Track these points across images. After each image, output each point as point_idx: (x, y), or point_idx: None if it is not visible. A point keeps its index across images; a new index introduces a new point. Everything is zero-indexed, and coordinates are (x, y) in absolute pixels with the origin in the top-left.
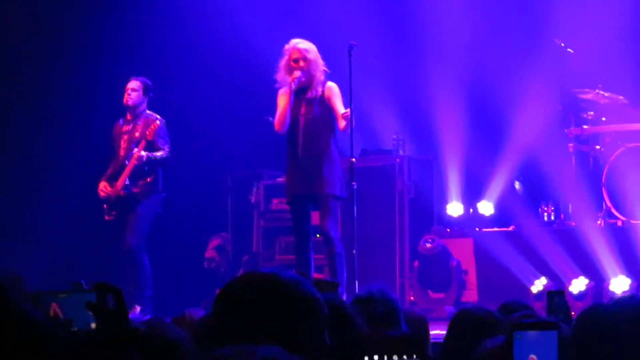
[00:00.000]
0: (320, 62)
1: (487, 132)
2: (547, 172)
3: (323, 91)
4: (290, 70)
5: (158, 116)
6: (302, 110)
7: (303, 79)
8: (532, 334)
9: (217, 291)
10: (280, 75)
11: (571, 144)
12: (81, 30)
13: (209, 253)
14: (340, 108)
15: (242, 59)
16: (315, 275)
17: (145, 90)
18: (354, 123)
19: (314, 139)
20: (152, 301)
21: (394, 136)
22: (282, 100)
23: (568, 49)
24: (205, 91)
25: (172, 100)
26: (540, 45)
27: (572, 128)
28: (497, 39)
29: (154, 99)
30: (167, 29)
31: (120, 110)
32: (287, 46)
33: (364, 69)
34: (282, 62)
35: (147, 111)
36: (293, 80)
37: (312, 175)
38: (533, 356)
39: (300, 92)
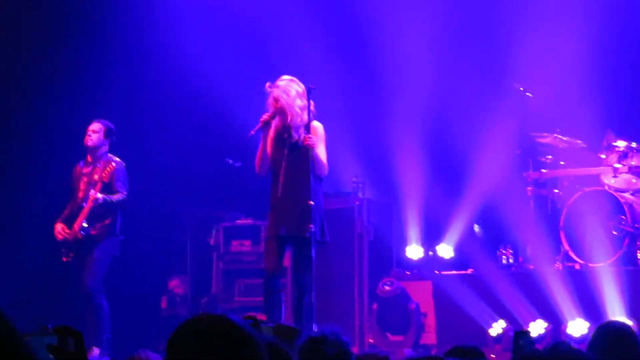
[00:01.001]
0: (299, 103)
1: (447, 176)
2: (506, 216)
3: (308, 133)
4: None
5: (117, 159)
6: (285, 151)
7: (271, 119)
8: None
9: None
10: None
11: (530, 188)
12: (44, 68)
13: (164, 304)
14: (319, 152)
15: (203, 102)
16: (259, 317)
17: (107, 133)
18: (321, 166)
19: (296, 182)
20: (110, 343)
21: (354, 179)
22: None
23: (527, 93)
24: (167, 133)
25: (134, 142)
26: (499, 89)
27: (530, 172)
28: (457, 83)
29: (119, 141)
30: (131, 71)
31: (81, 152)
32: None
33: (324, 111)
34: (267, 103)
35: (108, 154)
36: (260, 124)
37: (292, 217)
38: None
39: (283, 133)
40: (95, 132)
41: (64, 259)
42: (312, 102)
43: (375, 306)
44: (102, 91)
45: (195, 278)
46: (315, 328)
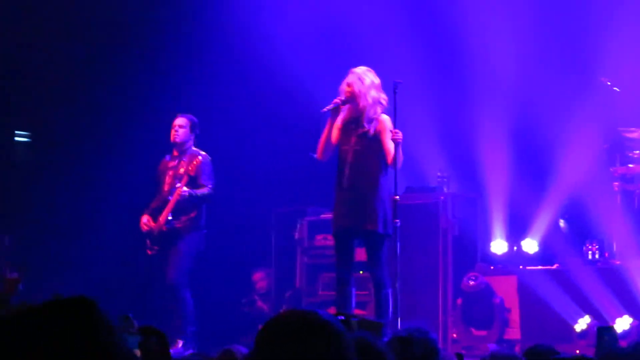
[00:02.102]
0: (373, 94)
1: (532, 170)
2: (592, 211)
3: (377, 128)
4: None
5: (203, 152)
6: (352, 141)
7: (341, 105)
8: None
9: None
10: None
11: (616, 183)
12: (132, 63)
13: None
14: (388, 143)
15: (289, 96)
16: (357, 312)
17: (192, 127)
18: (400, 161)
19: (362, 173)
20: (195, 336)
21: (439, 174)
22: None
23: (614, 88)
24: (251, 128)
25: (218, 137)
26: (586, 83)
27: (617, 167)
28: (543, 77)
29: (202, 135)
30: (216, 66)
31: (167, 145)
32: None
33: (409, 106)
34: (340, 86)
35: (193, 148)
36: (331, 104)
37: (356, 209)
38: None
39: (351, 123)
40: (182, 127)
41: (149, 252)
42: (386, 97)
43: (459, 301)
44: (185, 86)
45: (279, 272)
46: (399, 323)
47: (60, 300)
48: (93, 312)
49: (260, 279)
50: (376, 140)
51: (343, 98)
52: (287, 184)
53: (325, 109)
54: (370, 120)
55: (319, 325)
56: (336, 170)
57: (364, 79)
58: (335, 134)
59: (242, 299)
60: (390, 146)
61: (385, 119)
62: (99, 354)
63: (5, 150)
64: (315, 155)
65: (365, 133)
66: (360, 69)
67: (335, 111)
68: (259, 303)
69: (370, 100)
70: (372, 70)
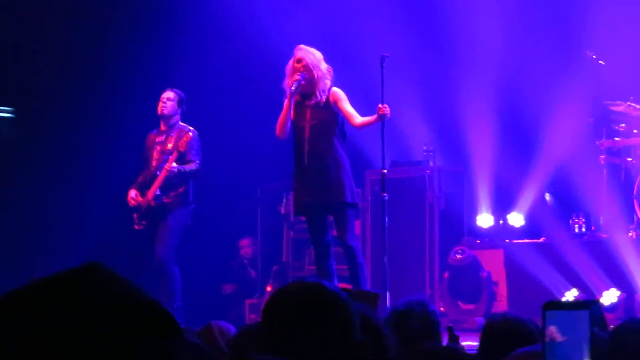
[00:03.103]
0: (324, 66)
1: (518, 144)
2: (578, 184)
3: (328, 97)
4: (294, 72)
5: (191, 128)
6: (307, 116)
7: (303, 82)
8: (563, 313)
9: (252, 301)
10: (286, 82)
11: (602, 156)
12: (118, 39)
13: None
14: (350, 109)
15: (274, 73)
16: (340, 285)
17: (180, 102)
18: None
19: (321, 146)
20: (181, 311)
21: (425, 147)
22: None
23: (600, 61)
24: (237, 103)
25: (204, 112)
26: (572, 57)
27: (603, 140)
28: (529, 50)
29: (188, 110)
30: (202, 41)
31: (153, 120)
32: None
33: (396, 80)
34: (287, 67)
35: (181, 123)
36: (293, 83)
37: (320, 183)
38: (553, 327)
39: (304, 99)
40: (170, 99)
41: (136, 227)
42: (331, 68)
43: (446, 275)
44: (171, 61)
45: (265, 246)
46: (387, 297)
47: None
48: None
49: (246, 245)
50: (331, 112)
51: (299, 77)
52: (273, 159)
53: (293, 89)
54: (324, 91)
55: (326, 296)
56: (293, 150)
57: (313, 52)
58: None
59: (230, 262)
60: (351, 110)
61: (337, 90)
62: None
63: None
64: (278, 134)
65: (319, 103)
66: (304, 46)
67: (296, 88)
68: (248, 267)
69: (323, 70)
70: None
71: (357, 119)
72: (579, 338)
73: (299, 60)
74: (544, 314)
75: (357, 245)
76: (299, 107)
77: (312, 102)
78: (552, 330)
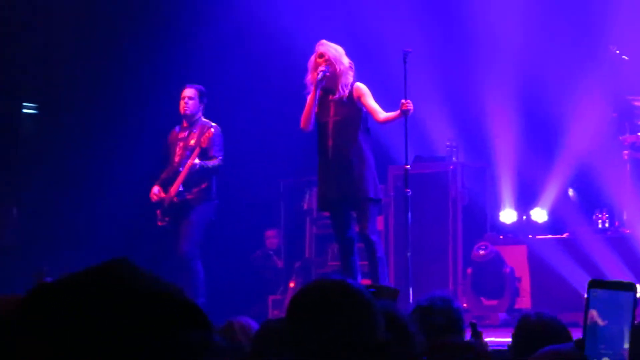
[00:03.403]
0: (346, 61)
1: (541, 139)
2: (602, 180)
3: (351, 92)
4: (316, 67)
5: (213, 124)
6: (331, 112)
7: (328, 73)
8: (608, 292)
9: (275, 297)
10: (308, 77)
11: (626, 152)
12: (138, 35)
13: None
14: (374, 104)
15: (297, 69)
16: (363, 282)
17: (201, 97)
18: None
19: (345, 141)
20: (204, 307)
21: (448, 143)
22: (309, 99)
23: (623, 56)
24: (260, 98)
25: (227, 106)
26: (595, 52)
27: (627, 135)
28: (551, 45)
29: (210, 105)
30: (223, 37)
31: (176, 116)
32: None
33: (419, 75)
34: (310, 62)
35: (203, 118)
36: (318, 73)
37: (344, 178)
38: (594, 311)
39: (327, 94)
40: (191, 98)
41: (159, 223)
42: (352, 63)
43: (469, 270)
44: (193, 56)
45: (288, 241)
46: (411, 292)
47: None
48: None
49: (272, 236)
50: (354, 107)
51: (324, 68)
52: (295, 154)
53: (319, 78)
54: (346, 86)
55: (350, 294)
56: (317, 145)
57: (335, 47)
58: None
59: (256, 251)
60: (375, 105)
61: (361, 85)
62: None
63: (13, 122)
64: (302, 127)
65: (342, 98)
66: (325, 41)
67: (321, 82)
68: (274, 258)
69: (345, 64)
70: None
71: (381, 114)
72: (621, 322)
73: (321, 55)
74: (588, 292)
75: (377, 240)
76: (323, 102)
77: (336, 97)
78: (593, 314)
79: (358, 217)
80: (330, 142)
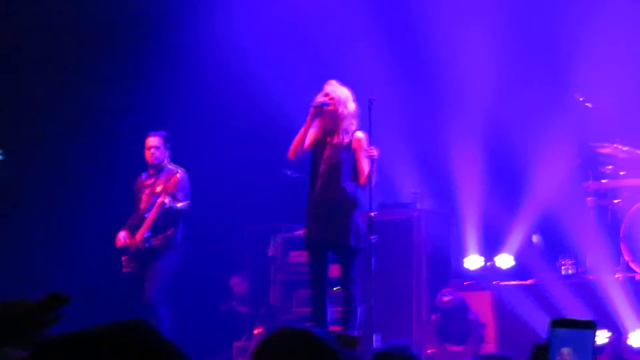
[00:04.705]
0: (352, 106)
1: (506, 186)
2: (566, 226)
3: (351, 140)
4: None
5: (180, 169)
6: (325, 153)
7: (327, 107)
8: (568, 331)
9: (239, 344)
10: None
11: (590, 198)
12: (107, 78)
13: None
14: (362, 166)
15: (262, 114)
16: (332, 328)
17: (165, 143)
18: (374, 179)
19: (333, 186)
20: None
21: (412, 190)
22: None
23: (587, 104)
24: (225, 145)
25: (192, 153)
26: (559, 99)
27: (590, 182)
28: (516, 93)
29: (175, 151)
30: (191, 84)
31: (143, 162)
32: None
33: (384, 123)
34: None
35: (169, 165)
36: (316, 102)
37: (328, 222)
38: (565, 349)
39: (326, 135)
40: (157, 147)
41: (125, 270)
42: (358, 109)
43: (434, 317)
44: (160, 102)
45: (253, 287)
46: (374, 339)
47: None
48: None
49: (236, 283)
50: (350, 154)
51: (323, 100)
52: (260, 200)
53: (314, 104)
54: (347, 132)
55: (314, 344)
56: (308, 184)
57: (342, 89)
58: (307, 142)
59: (220, 304)
60: (364, 166)
61: (362, 136)
62: None
63: None
64: (291, 175)
65: (340, 144)
66: (335, 82)
67: (318, 113)
68: (238, 307)
69: (349, 109)
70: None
71: (362, 179)
72: (583, 355)
73: (327, 94)
74: (550, 330)
75: (355, 291)
76: (320, 142)
77: (334, 140)
78: (564, 352)
79: (339, 264)
80: (319, 183)
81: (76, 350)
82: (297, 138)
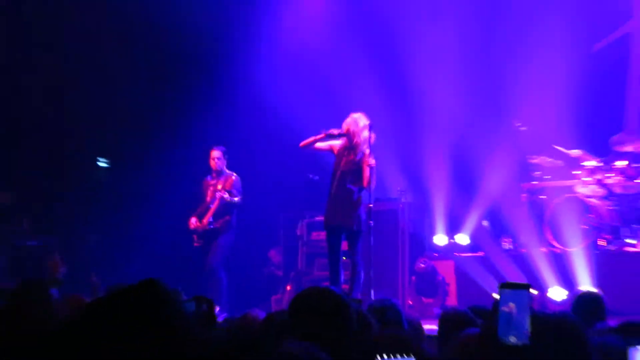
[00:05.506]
0: (365, 134)
1: (464, 185)
2: (507, 214)
3: (362, 159)
4: (344, 126)
5: (234, 174)
6: (342, 163)
7: (338, 139)
8: (512, 291)
9: (276, 297)
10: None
11: (524, 195)
12: (181, 110)
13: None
14: (367, 172)
15: (291, 133)
16: (343, 286)
17: (224, 155)
18: (374, 182)
19: (344, 186)
20: (227, 304)
21: (398, 188)
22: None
23: (522, 127)
24: (266, 156)
25: (243, 162)
26: (503, 124)
27: (524, 183)
28: (474, 118)
29: (230, 159)
30: (241, 113)
31: (207, 167)
32: None
33: (378, 140)
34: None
35: (226, 170)
36: (333, 130)
37: (339, 212)
38: (511, 304)
39: (345, 151)
40: (217, 158)
41: (195, 244)
42: (373, 135)
43: (413, 278)
44: (219, 125)
45: (286, 258)
46: (372, 293)
47: (135, 283)
48: (159, 290)
49: (274, 254)
50: (358, 167)
51: (339, 132)
52: (292, 195)
53: (329, 132)
54: (360, 152)
55: (334, 298)
56: (329, 185)
57: (358, 122)
58: (324, 147)
59: (262, 269)
60: (367, 175)
61: (371, 162)
62: (166, 322)
63: (92, 173)
64: (313, 178)
65: (352, 160)
66: (357, 114)
67: (330, 136)
68: (275, 272)
69: (362, 139)
70: (364, 114)
71: (365, 183)
72: (523, 312)
73: (347, 129)
74: (499, 291)
75: (359, 260)
76: (341, 154)
77: (350, 157)
78: (512, 306)
79: (347, 241)
80: (335, 185)
81: (106, 306)
82: (310, 139)
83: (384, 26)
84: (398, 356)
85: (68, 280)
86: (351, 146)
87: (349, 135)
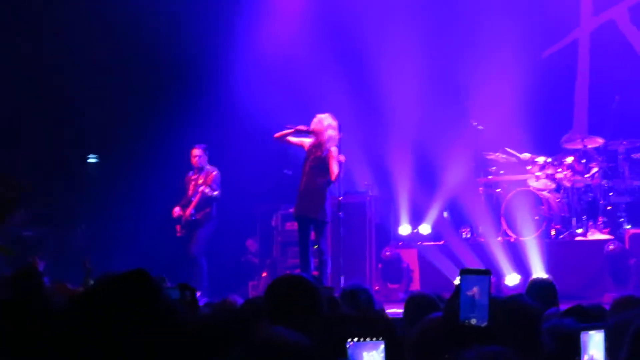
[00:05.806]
0: (330, 133)
1: (426, 179)
2: (466, 206)
3: (327, 155)
4: (314, 124)
5: (216, 169)
6: (310, 158)
7: (303, 129)
8: (473, 276)
9: (253, 282)
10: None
11: (481, 188)
12: (166, 111)
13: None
14: (332, 166)
15: (266, 132)
16: (314, 273)
17: (205, 152)
18: (341, 175)
19: (312, 180)
20: (207, 290)
21: (365, 182)
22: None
23: (479, 127)
24: (244, 153)
25: (222, 158)
26: (462, 123)
27: (481, 177)
28: (435, 118)
29: (212, 156)
30: (220, 115)
31: (189, 164)
32: None
33: (347, 138)
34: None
35: (207, 166)
36: (301, 126)
37: (307, 203)
38: (474, 288)
39: (313, 148)
40: (198, 156)
41: (178, 235)
42: (338, 135)
43: (380, 266)
44: (201, 125)
45: (262, 247)
46: (342, 280)
47: (125, 273)
48: (147, 279)
49: (251, 243)
50: (324, 162)
51: (307, 128)
52: (268, 189)
53: (289, 126)
54: (326, 149)
55: (306, 284)
56: (299, 178)
57: (323, 122)
58: (296, 142)
59: (240, 257)
60: (334, 168)
61: (334, 150)
62: (153, 311)
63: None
64: (288, 174)
65: (319, 156)
66: (323, 115)
67: (299, 131)
68: (252, 259)
69: (326, 137)
70: (331, 115)
71: (332, 177)
72: (483, 295)
73: (313, 128)
74: (460, 277)
75: (325, 248)
76: (310, 150)
77: (317, 153)
78: (475, 290)
79: (314, 230)
80: (304, 178)
81: (96, 295)
82: (282, 133)
83: (349, 32)
84: (368, 339)
85: (62, 267)
86: (318, 143)
87: (314, 133)
